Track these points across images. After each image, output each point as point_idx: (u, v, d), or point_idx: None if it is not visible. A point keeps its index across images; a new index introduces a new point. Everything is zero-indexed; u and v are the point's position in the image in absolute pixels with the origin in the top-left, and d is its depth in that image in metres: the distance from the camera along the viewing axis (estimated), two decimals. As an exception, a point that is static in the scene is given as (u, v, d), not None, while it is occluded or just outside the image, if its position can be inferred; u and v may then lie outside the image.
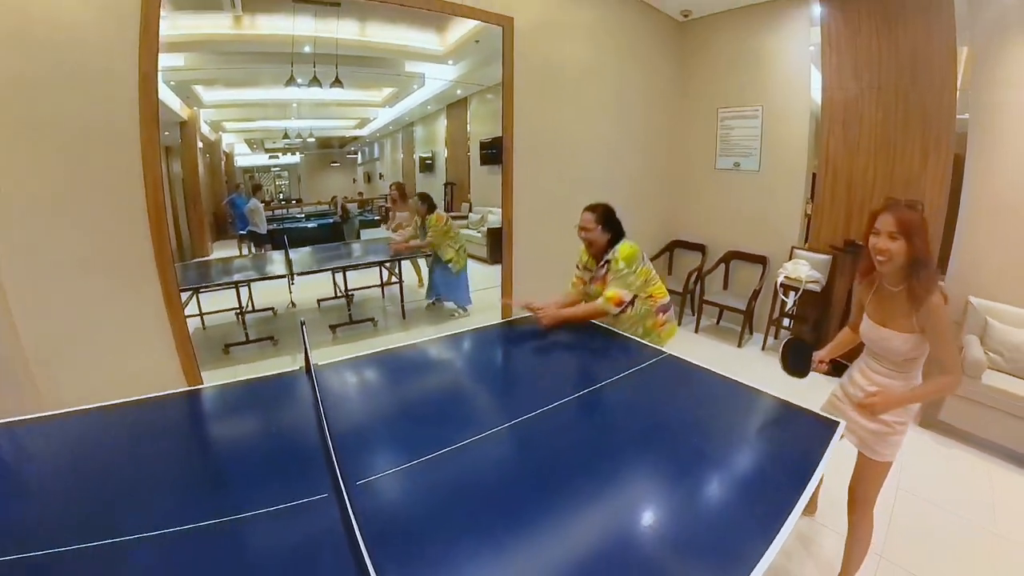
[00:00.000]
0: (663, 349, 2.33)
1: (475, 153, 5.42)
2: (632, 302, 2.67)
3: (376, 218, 5.99)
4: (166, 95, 3.34)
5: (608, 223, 2.67)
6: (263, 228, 5.31)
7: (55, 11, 2.78)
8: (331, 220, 5.80)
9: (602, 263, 2.68)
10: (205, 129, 4.99)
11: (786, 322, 4.08)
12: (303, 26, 4.13)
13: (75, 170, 2.94)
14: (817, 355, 2.04)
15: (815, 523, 2.68)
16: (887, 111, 3.43)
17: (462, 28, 4.24)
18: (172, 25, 3.04)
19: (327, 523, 1.48)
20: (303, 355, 2.46)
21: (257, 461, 2.01)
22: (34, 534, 1.52)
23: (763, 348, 3.92)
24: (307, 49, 4.29)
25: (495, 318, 3.86)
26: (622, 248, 2.61)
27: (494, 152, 4.34)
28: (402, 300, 5.18)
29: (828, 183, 3.85)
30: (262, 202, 5.28)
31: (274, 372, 2.53)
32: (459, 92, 5.29)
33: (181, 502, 1.68)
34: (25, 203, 2.90)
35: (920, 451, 2.86)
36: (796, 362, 1.76)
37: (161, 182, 3.18)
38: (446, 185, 5.86)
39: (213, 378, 3.23)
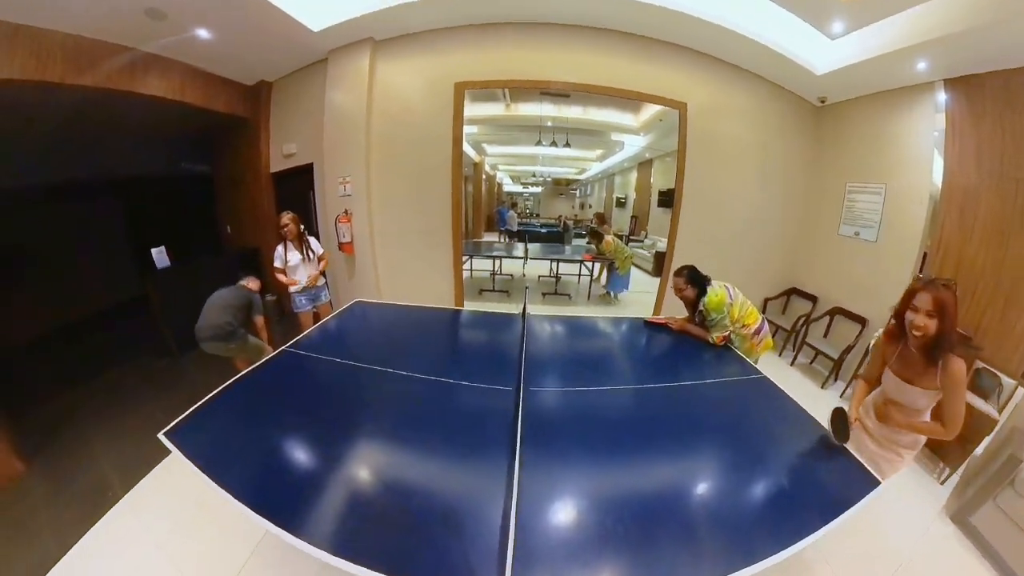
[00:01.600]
0: (760, 369, 2.19)
1: (654, 197, 5.64)
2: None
3: (583, 233, 6.34)
4: (467, 148, 4.18)
5: (693, 281, 2.50)
6: (515, 228, 6.47)
7: (414, 105, 4.15)
8: (556, 230, 6.49)
9: (697, 312, 2.54)
10: (488, 168, 5.80)
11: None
12: (546, 109, 4.84)
13: (418, 184, 4.33)
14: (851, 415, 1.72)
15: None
16: (1005, 200, 2.82)
17: (650, 110, 4.59)
18: (471, 109, 4.23)
19: (504, 405, 1.75)
20: (522, 306, 2.91)
21: (480, 356, 2.58)
22: (367, 356, 2.30)
23: (841, 395, 3.65)
24: (549, 124, 5.04)
25: (644, 312, 4.01)
26: (709, 300, 2.43)
27: (667, 198, 4.61)
28: (589, 287, 5.72)
29: (937, 263, 3.23)
30: (516, 213, 6.06)
31: (504, 311, 3.07)
32: (647, 155, 5.62)
33: (435, 363, 2.25)
34: (394, 199, 4.39)
35: (936, 543, 2.09)
36: (841, 429, 1.55)
37: (461, 195, 4.31)
38: (632, 217, 6.22)
39: (470, 306, 4.39)
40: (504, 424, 1.59)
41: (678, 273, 2.53)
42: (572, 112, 4.75)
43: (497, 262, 5.68)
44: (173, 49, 3.98)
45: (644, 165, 5.79)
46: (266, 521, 1.19)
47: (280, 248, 3.64)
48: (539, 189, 6.42)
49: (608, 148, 5.87)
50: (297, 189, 5.31)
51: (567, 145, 5.06)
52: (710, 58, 3.88)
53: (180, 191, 6.46)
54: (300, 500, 1.27)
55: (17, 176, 4.65)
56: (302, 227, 3.74)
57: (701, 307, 2.45)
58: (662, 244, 4.70)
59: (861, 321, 3.72)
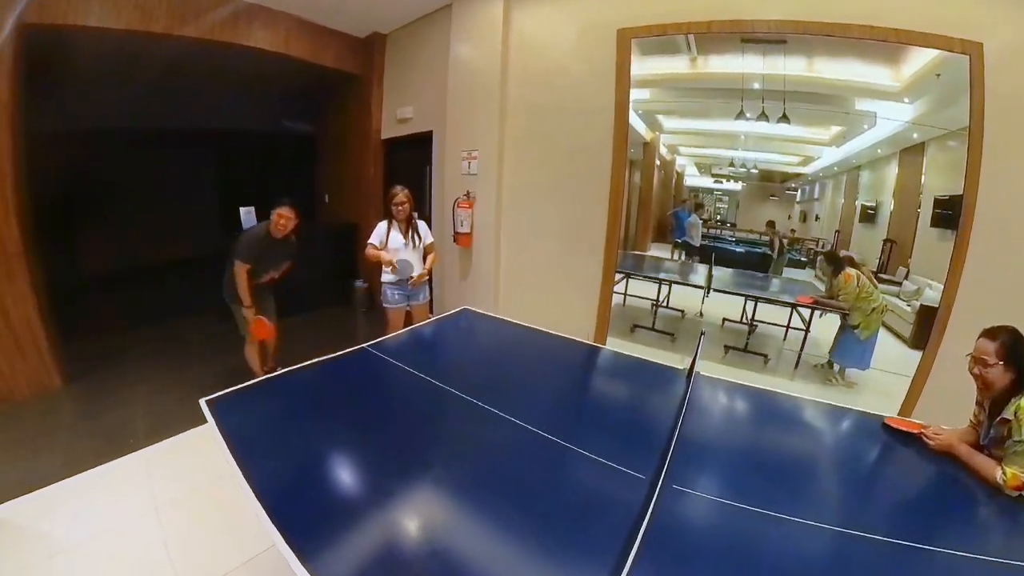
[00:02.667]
0: None
1: (926, 211, 4.52)
2: None
3: (803, 259, 5.91)
4: (634, 121, 4.06)
5: (1015, 358, 1.92)
6: (697, 241, 6.18)
7: (562, 63, 4.29)
8: (759, 250, 6.08)
9: (999, 418, 1.93)
10: (663, 150, 5.69)
11: None
12: (751, 64, 4.42)
13: (564, 168, 4.44)
14: None
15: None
16: None
17: (919, 60, 3.78)
18: (640, 66, 3.80)
19: (628, 498, 1.68)
20: (691, 360, 2.75)
21: (611, 419, 2.45)
22: (461, 381, 2.40)
23: None
24: (755, 86, 4.64)
25: (886, 407, 3.41)
26: None
27: (949, 214, 3.77)
28: (801, 349, 5.10)
29: None
30: (700, 219, 5.53)
31: (662, 361, 2.95)
32: (915, 136, 4.66)
33: (547, 413, 2.25)
34: (531, 183, 4.61)
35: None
36: None
37: (622, 187, 4.32)
38: (885, 242, 5.30)
39: (615, 344, 4.35)
40: (620, 524, 1.55)
41: (990, 334, 2.01)
42: (791, 67, 4.29)
43: (664, 288, 5.64)
44: (278, -1, 4.89)
45: (910, 153, 5.00)
46: (277, 532, 1.35)
47: (383, 225, 4.09)
48: (738, 186, 6.14)
49: (850, 125, 5.16)
50: (411, 161, 5.90)
51: (783, 119, 4.66)
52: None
53: (279, 151, 7.91)
54: (324, 527, 1.40)
55: (116, 119, 6.23)
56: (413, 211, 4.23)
57: (1010, 411, 1.90)
58: (933, 294, 4.03)
59: None
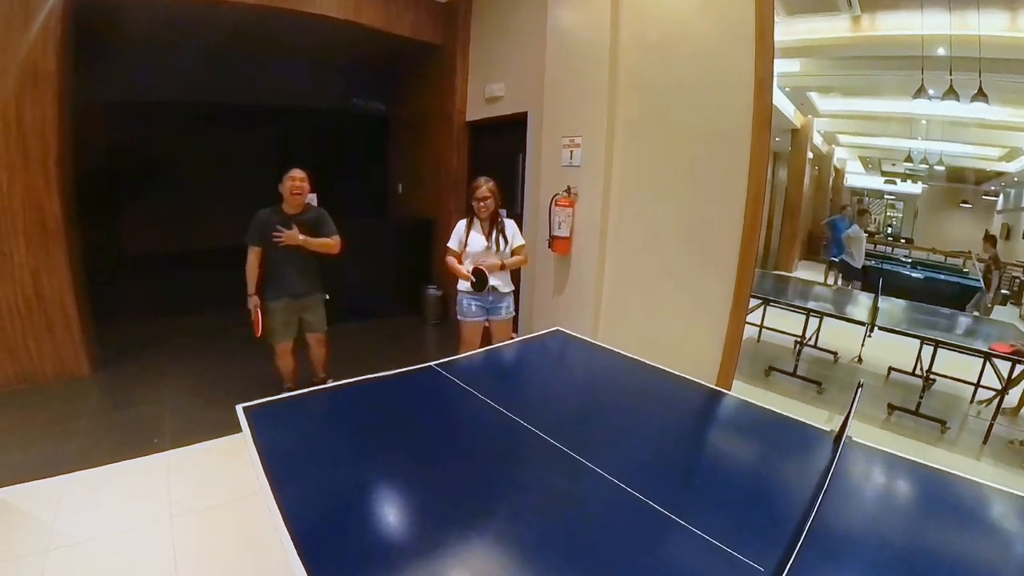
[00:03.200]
0: None
1: None
2: None
3: (1005, 292, 5.02)
4: (780, 101, 3.74)
5: None
6: (859, 261, 5.78)
7: (686, 27, 4.08)
8: (946, 276, 5.12)
9: None
10: (817, 140, 5.35)
11: None
12: (934, 22, 3.98)
13: (689, 160, 4.22)
14: None
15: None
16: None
17: None
18: (787, 31, 3.48)
19: None
20: (842, 419, 2.51)
21: (731, 486, 2.26)
22: (546, 420, 2.32)
23: None
24: (940, 51, 4.20)
25: None
26: None
27: None
28: (994, 418, 4.62)
29: None
30: (865, 232, 4.94)
31: (802, 418, 2.73)
32: None
33: (648, 471, 2.13)
34: (648, 179, 4.41)
35: None
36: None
37: (764, 187, 3.99)
38: None
39: (743, 391, 3.84)
40: None
41: None
42: (988, 24, 3.83)
43: (813, 322, 5.40)
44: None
45: None
46: (303, 569, 1.33)
47: (462, 225, 4.15)
48: (916, 188, 5.74)
49: None
50: (501, 148, 5.94)
51: (979, 96, 4.22)
52: None
53: (347, 132, 8.26)
54: (362, 571, 1.41)
55: (169, 92, 6.68)
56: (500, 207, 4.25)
57: None
58: None
59: None
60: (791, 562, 1.64)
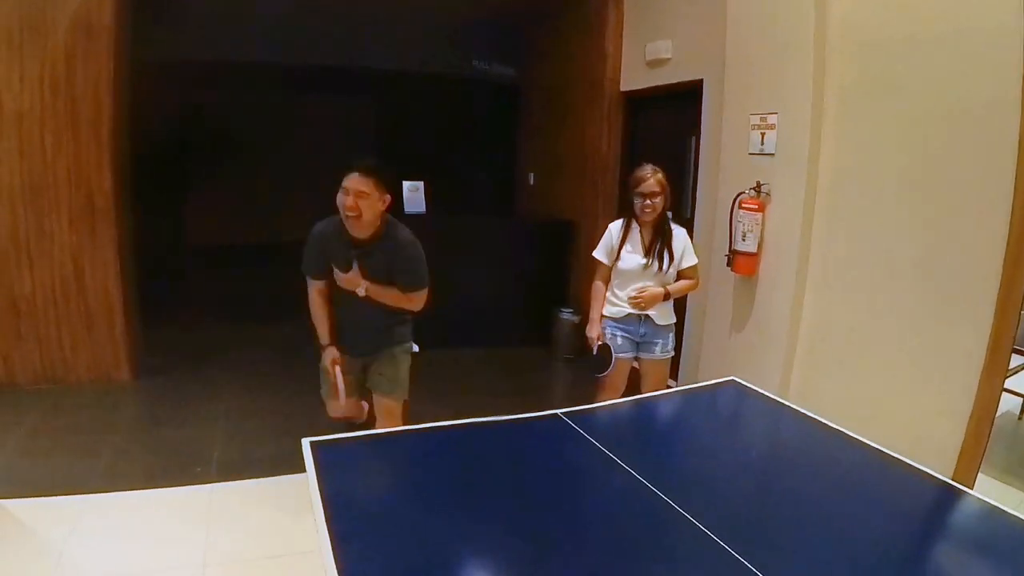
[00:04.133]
0: None
1: None
2: None
3: None
4: None
5: None
6: None
7: None
8: None
9: None
10: None
11: None
12: None
13: (934, 147, 3.97)
14: None
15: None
16: None
17: None
18: None
19: None
20: None
21: None
22: (697, 498, 2.28)
23: None
24: None
25: None
26: None
27: None
28: None
29: None
30: None
31: None
32: None
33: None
34: (873, 174, 4.25)
35: None
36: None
37: None
38: None
39: (991, 489, 4.01)
40: None
41: None
42: None
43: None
44: None
45: None
46: None
47: (617, 229, 4.14)
48: None
49: None
50: (666, 128, 5.88)
51: None
52: None
53: (464, 105, 8.37)
54: None
55: (245, 52, 6.98)
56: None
57: None
58: None
59: None
60: None
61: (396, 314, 3.67)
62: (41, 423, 4.12)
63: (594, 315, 4.03)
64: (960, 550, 2.58)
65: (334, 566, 1.52)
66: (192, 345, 5.64)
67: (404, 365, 3.75)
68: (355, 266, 3.42)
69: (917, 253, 4.04)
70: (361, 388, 3.83)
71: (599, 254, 4.04)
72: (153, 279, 5.55)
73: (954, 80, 3.84)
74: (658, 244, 3.96)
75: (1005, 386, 3.89)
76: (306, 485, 1.89)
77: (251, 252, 7.77)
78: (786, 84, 4.43)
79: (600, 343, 4.02)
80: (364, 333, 3.67)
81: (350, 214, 3.26)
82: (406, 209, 6.05)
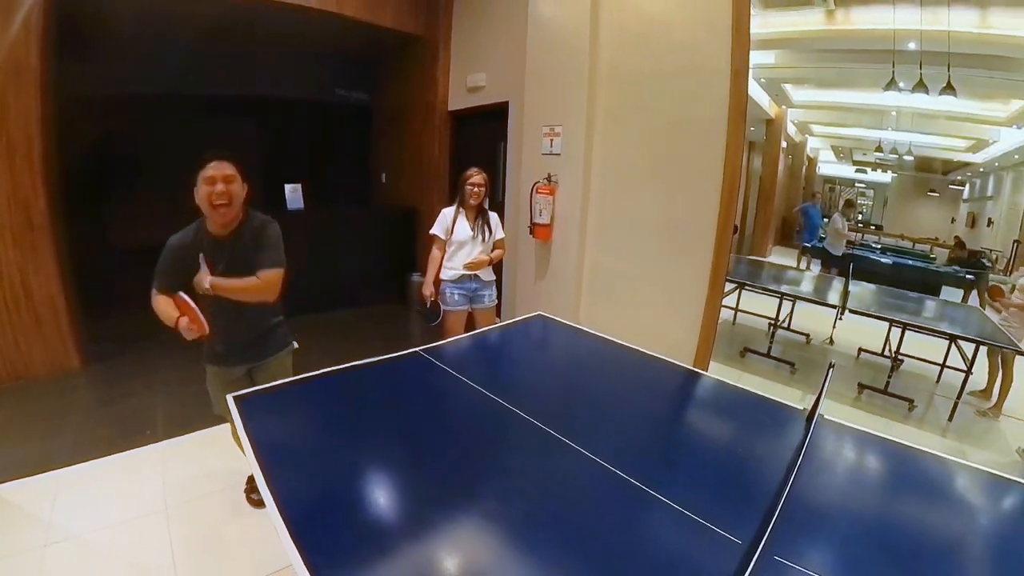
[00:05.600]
0: None
1: None
2: None
3: (969, 277, 5.53)
4: (755, 91, 3.76)
5: None
6: (839, 250, 5.78)
7: (666, 18, 4.08)
8: (911, 262, 5.38)
9: None
10: (791, 129, 5.44)
11: None
12: (906, 18, 4.10)
13: (667, 148, 4.28)
14: None
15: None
16: None
17: None
18: (763, 23, 3.54)
19: (717, 565, 1.60)
20: (814, 399, 2.58)
21: (709, 463, 2.33)
22: (529, 401, 2.34)
23: None
24: (911, 46, 4.32)
25: None
26: None
27: None
28: (958, 397, 4.76)
29: None
30: (847, 219, 5.20)
31: (777, 397, 2.78)
32: None
33: (630, 450, 2.17)
34: (626, 167, 4.47)
35: None
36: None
37: (739, 174, 4.06)
38: None
39: (719, 371, 4.09)
40: None
41: None
42: (958, 21, 3.95)
43: (786, 305, 5.50)
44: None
45: None
46: (297, 553, 1.35)
47: (449, 212, 4.15)
48: (886, 177, 5.84)
49: None
50: (482, 137, 5.96)
51: (947, 90, 4.36)
52: None
53: (330, 123, 8.23)
54: (352, 554, 1.42)
55: (153, 84, 6.55)
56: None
57: None
58: None
59: None
60: (767, 535, 1.68)
61: (274, 313, 2.87)
62: (10, 416, 3.79)
63: (428, 278, 4.09)
64: (701, 410, 2.89)
65: (267, 488, 1.56)
66: (128, 332, 5.21)
67: (290, 367, 2.95)
68: (203, 266, 2.58)
69: (660, 219, 4.38)
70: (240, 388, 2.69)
71: (437, 231, 4.07)
72: (89, 280, 5.18)
73: (684, 102, 4.16)
74: (480, 222, 4.09)
75: (723, 304, 4.26)
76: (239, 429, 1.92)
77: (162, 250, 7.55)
78: (568, 105, 4.57)
79: (432, 300, 4.11)
80: (248, 337, 2.80)
81: (220, 202, 2.55)
82: (288, 206, 5.94)
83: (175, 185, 7.25)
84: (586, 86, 4.44)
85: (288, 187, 5.83)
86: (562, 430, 2.14)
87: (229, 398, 2.04)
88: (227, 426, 1.93)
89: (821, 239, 5.86)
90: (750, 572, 1.51)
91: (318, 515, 1.56)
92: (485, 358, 3.10)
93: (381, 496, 1.77)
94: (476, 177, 4.04)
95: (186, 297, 2.51)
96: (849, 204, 5.77)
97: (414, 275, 6.98)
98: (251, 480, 2.96)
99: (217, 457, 3.41)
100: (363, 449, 1.94)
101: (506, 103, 5.48)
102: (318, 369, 2.44)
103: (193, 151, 7.14)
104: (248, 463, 1.74)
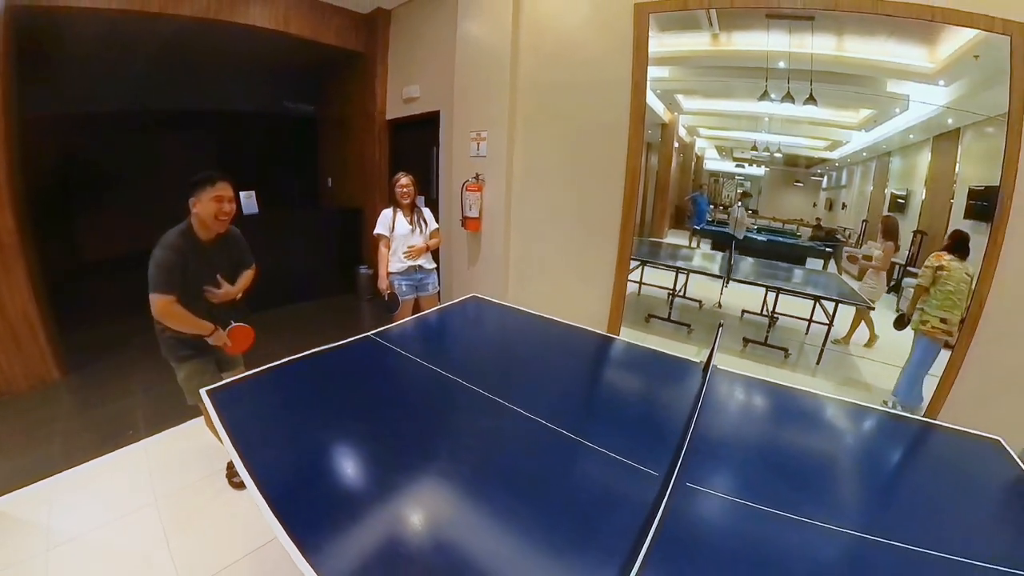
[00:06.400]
0: None
1: (960, 202, 4.36)
2: None
3: (828, 249, 5.82)
4: (652, 101, 4.03)
5: None
6: (741, 234, 5.96)
7: (576, 38, 4.24)
8: (781, 239, 5.98)
9: None
10: (682, 132, 5.68)
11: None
12: (777, 42, 4.40)
13: (578, 149, 4.43)
14: None
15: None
16: None
17: (956, 40, 3.71)
18: (659, 43, 3.82)
19: (640, 495, 1.71)
20: (708, 352, 2.75)
21: (623, 413, 2.45)
22: (469, 371, 2.41)
23: None
24: (781, 65, 4.60)
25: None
26: None
27: (984, 205, 3.66)
28: (824, 344, 5.12)
29: None
30: (748, 210, 6.03)
31: (677, 353, 2.94)
32: (950, 121, 4.53)
33: (557, 405, 2.26)
34: (543, 166, 4.59)
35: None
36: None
37: (639, 171, 4.27)
38: (915, 233, 5.14)
39: (628, 335, 4.25)
40: (630, 523, 1.57)
41: None
42: (819, 45, 4.26)
43: (681, 278, 5.66)
44: (278, -28, 4.95)
45: (944, 139, 4.93)
46: (279, 525, 1.38)
47: (389, 213, 4.18)
48: (760, 171, 6.10)
49: (881, 108, 5.15)
50: (417, 142, 5.91)
51: (810, 100, 4.65)
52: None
53: (280, 133, 7.92)
54: (327, 520, 1.44)
55: (109, 102, 6.23)
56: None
57: None
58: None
59: None
60: (678, 466, 1.79)
61: (231, 307, 2.91)
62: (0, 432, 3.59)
63: (382, 273, 4.08)
64: (616, 368, 3.04)
65: (247, 472, 1.57)
66: (105, 339, 4.98)
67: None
68: (223, 283, 2.75)
69: (574, 209, 4.49)
70: (217, 377, 2.76)
71: (381, 230, 4.08)
72: (62, 293, 4.89)
73: (592, 110, 4.27)
74: (415, 216, 4.13)
75: (629, 278, 4.42)
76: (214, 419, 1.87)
77: (132, 259, 7.00)
78: (492, 113, 4.61)
79: (389, 292, 4.11)
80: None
81: (225, 217, 2.66)
82: (244, 212, 5.74)
83: (138, 197, 6.94)
84: (508, 96, 4.48)
85: (243, 194, 5.64)
86: (501, 394, 2.22)
87: (202, 392, 2.01)
88: (202, 418, 1.90)
89: (709, 223, 6.09)
90: (667, 498, 1.62)
91: (294, 490, 1.57)
92: (429, 337, 3.11)
93: (348, 466, 1.79)
94: (403, 179, 4.10)
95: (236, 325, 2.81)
96: (745, 195, 6.00)
97: (361, 268, 6.91)
98: (231, 465, 2.93)
99: (197, 447, 3.32)
100: (328, 426, 1.94)
101: (438, 112, 5.46)
102: (282, 358, 2.39)
103: (152, 164, 6.82)
104: (226, 450, 1.73)
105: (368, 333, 2.75)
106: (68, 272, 5.89)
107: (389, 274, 4.16)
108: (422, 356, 2.53)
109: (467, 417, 2.13)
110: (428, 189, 5.65)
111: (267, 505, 1.44)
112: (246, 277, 2.96)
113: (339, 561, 1.33)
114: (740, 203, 5.95)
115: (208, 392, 2.01)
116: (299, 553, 1.30)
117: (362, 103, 6.47)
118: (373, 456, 1.81)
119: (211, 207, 2.59)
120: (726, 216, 6.07)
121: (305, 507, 1.48)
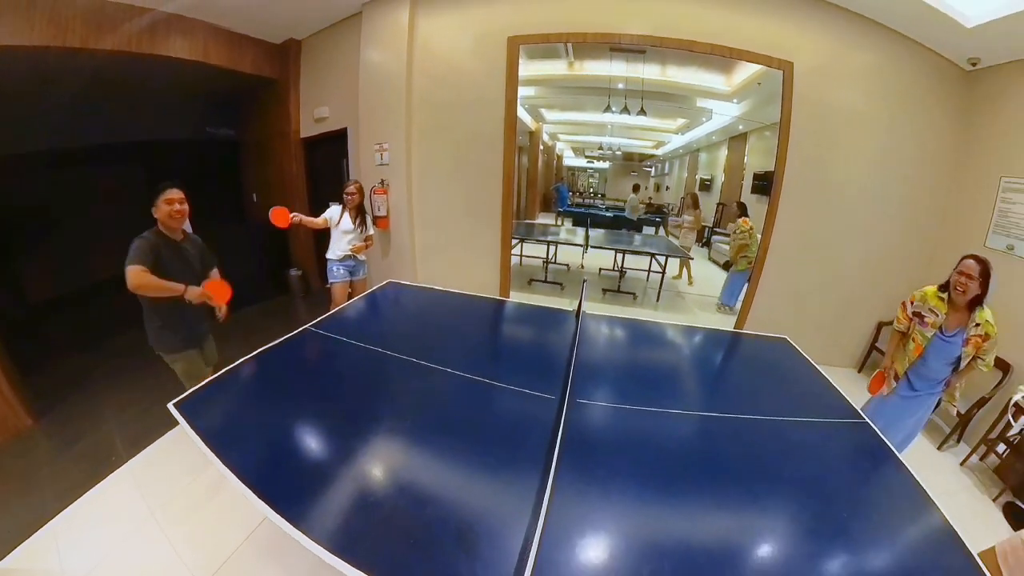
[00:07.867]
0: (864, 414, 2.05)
1: (748, 182, 5.38)
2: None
3: (657, 219, 6.47)
4: (522, 114, 4.19)
5: (986, 281, 2.20)
6: (635, 217, 6.39)
7: (460, 64, 4.25)
8: (623, 215, 6.46)
9: (972, 324, 2.27)
10: (545, 138, 5.84)
11: (1001, 448, 3.05)
12: (617, 68, 4.74)
13: (464, 154, 4.46)
14: None
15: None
16: None
17: (746, 71, 4.34)
18: (526, 68, 4.15)
19: (545, 415, 1.82)
20: (578, 302, 2.90)
21: (521, 356, 2.61)
22: (396, 344, 2.40)
23: (962, 463, 3.15)
24: (620, 86, 4.97)
25: (727, 323, 4.35)
26: (992, 314, 2.25)
27: (764, 184, 4.37)
28: (660, 288, 5.57)
29: None
30: (642, 203, 6.45)
31: (555, 307, 3.11)
32: (740, 127, 5.46)
33: (470, 359, 2.33)
34: (436, 170, 4.56)
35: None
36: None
37: (513, 169, 4.37)
38: (718, 205, 6.00)
39: (517, 297, 4.35)
40: (542, 437, 1.67)
41: (978, 259, 2.22)
42: (648, 72, 4.64)
43: (552, 249, 5.82)
44: (195, 8, 4.38)
45: (736, 140, 5.63)
46: (266, 505, 1.32)
47: (336, 208, 4.02)
48: (606, 165, 6.39)
49: (692, 117, 5.74)
50: (329, 156, 5.61)
51: (641, 112, 5.00)
52: (824, 3, 3.57)
53: (204, 157, 7.10)
54: (305, 491, 1.40)
55: (37, 141, 5.25)
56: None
57: (977, 318, 2.24)
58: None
59: (1003, 367, 3.11)
60: (568, 389, 1.90)
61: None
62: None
63: (311, 220, 3.96)
64: (509, 323, 3.13)
65: (225, 467, 1.47)
66: (65, 377, 4.01)
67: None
68: (203, 287, 2.57)
69: (464, 202, 4.48)
70: (206, 370, 2.72)
71: (327, 214, 3.94)
72: (17, 337, 3.95)
73: (474, 123, 4.25)
74: (359, 219, 3.96)
75: (512, 252, 4.51)
76: (185, 430, 1.68)
77: (81, 293, 5.82)
78: (391, 127, 4.43)
79: (341, 255, 3.97)
80: (206, 323, 2.83)
81: (180, 216, 2.57)
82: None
83: (76, 234, 5.99)
84: (405, 112, 4.33)
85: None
86: (425, 358, 2.22)
87: (170, 406, 1.80)
88: (178, 428, 1.73)
89: (570, 206, 6.36)
90: (565, 413, 1.72)
91: (270, 473, 1.50)
92: (358, 321, 2.99)
93: (311, 442, 1.71)
94: (351, 187, 3.94)
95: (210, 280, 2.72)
96: (636, 188, 6.46)
97: (292, 270, 6.42)
98: None
99: (179, 456, 2.90)
100: (286, 412, 1.84)
101: (346, 128, 5.17)
102: (235, 360, 2.19)
103: (86, 200, 5.78)
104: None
105: (306, 325, 2.59)
106: (19, 316, 5.00)
107: (328, 262, 4.00)
108: (355, 337, 2.44)
109: (402, 381, 2.10)
110: (339, 196, 5.44)
111: (251, 491, 1.38)
112: (216, 276, 2.85)
113: (323, 520, 1.31)
114: (633, 194, 6.29)
115: (175, 405, 1.80)
116: (288, 524, 1.27)
117: (278, 124, 5.94)
118: (330, 429, 1.75)
119: (165, 208, 2.53)
120: (581, 200, 6.43)
121: (284, 485, 1.43)
